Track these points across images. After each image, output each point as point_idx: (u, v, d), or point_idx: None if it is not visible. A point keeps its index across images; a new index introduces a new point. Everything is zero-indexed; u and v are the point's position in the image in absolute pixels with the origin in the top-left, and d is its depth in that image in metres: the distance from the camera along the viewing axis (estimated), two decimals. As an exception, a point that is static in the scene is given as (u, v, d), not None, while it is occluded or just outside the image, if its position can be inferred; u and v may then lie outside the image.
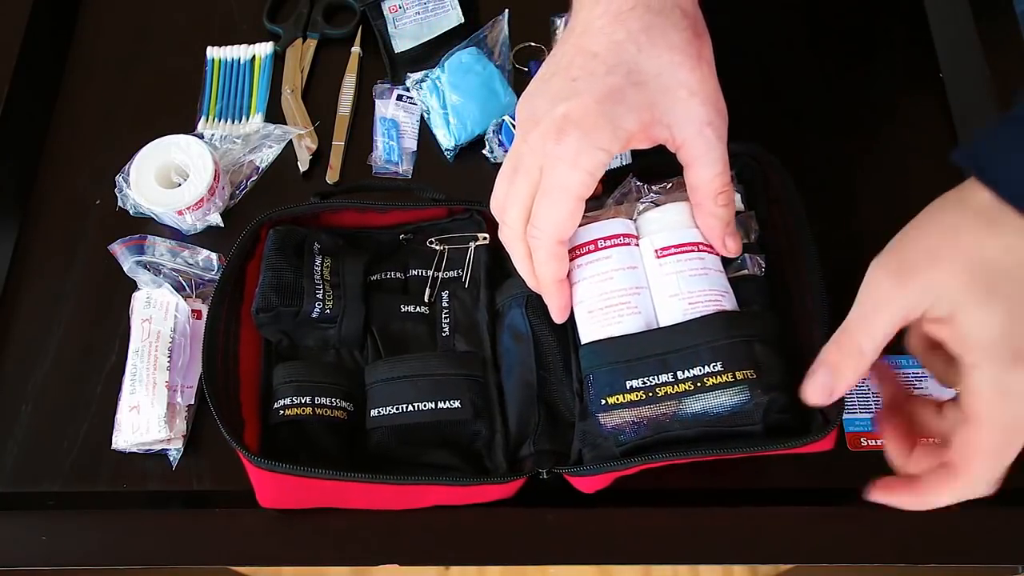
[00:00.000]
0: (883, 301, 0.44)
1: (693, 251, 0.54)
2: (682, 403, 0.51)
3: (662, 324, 0.53)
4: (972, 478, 0.44)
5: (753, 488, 0.58)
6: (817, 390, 0.46)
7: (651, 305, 0.54)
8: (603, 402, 0.52)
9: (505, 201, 0.52)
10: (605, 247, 0.54)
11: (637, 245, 0.55)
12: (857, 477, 0.57)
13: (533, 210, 0.50)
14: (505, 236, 0.53)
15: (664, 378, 0.51)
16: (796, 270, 0.56)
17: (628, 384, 0.52)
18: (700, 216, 0.53)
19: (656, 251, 0.54)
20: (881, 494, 0.47)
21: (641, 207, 0.57)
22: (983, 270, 0.42)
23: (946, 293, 0.42)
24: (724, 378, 0.50)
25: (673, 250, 0.54)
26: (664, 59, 0.48)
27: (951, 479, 0.44)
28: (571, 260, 0.54)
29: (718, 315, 0.52)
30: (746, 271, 0.56)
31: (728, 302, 0.53)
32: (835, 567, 0.61)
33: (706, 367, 0.51)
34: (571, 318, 0.58)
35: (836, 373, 0.46)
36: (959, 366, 0.43)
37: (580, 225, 0.52)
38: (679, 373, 0.51)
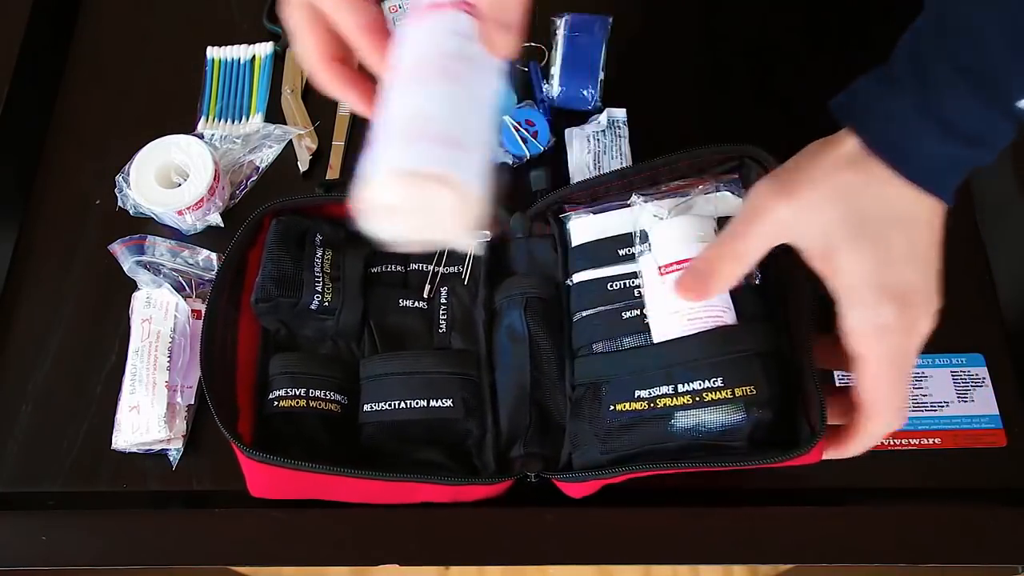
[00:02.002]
0: (763, 210, 0.47)
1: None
2: (674, 417, 0.52)
3: (658, 340, 0.53)
4: (879, 412, 0.48)
5: (753, 488, 0.58)
6: (688, 283, 0.50)
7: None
8: (612, 407, 0.53)
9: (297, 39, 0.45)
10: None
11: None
12: (857, 477, 0.58)
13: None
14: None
15: (665, 389, 0.52)
16: (789, 275, 0.56)
17: (637, 394, 0.52)
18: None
19: (660, 267, 0.54)
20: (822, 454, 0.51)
21: (648, 215, 0.57)
22: (854, 211, 0.45)
23: (821, 224, 0.46)
24: (723, 394, 0.51)
25: (675, 267, 0.54)
26: None
27: (863, 420, 0.49)
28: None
29: (718, 331, 0.53)
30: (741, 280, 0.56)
31: (729, 317, 0.53)
32: (835, 567, 0.61)
33: (706, 382, 0.51)
34: (568, 323, 0.58)
35: (711, 271, 0.49)
36: (839, 309, 0.47)
37: None
38: (679, 386, 0.52)
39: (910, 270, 0.46)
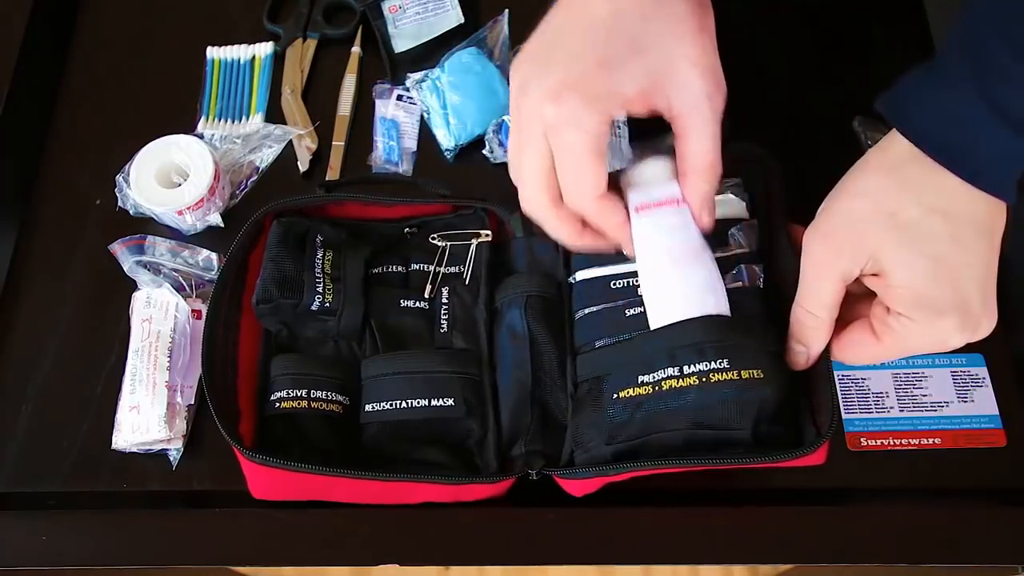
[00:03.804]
0: (822, 269, 0.47)
1: (673, 206, 0.52)
2: (679, 400, 0.51)
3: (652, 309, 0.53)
4: (882, 352, 0.48)
5: (753, 488, 0.58)
6: (796, 359, 0.51)
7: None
8: (615, 396, 0.53)
9: (520, 176, 0.51)
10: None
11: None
12: (857, 477, 0.58)
13: (560, 181, 0.49)
14: (530, 209, 0.52)
15: (670, 371, 0.51)
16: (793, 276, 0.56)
17: (640, 379, 0.52)
18: (685, 187, 0.52)
19: (636, 207, 0.52)
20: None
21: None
22: (907, 229, 0.44)
23: (875, 254, 0.45)
24: (730, 375, 0.50)
25: (652, 208, 0.52)
26: (667, 29, 0.47)
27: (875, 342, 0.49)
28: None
29: (724, 319, 0.52)
30: (741, 283, 0.56)
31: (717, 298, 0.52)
32: (835, 567, 0.61)
33: (712, 363, 0.51)
34: (570, 322, 0.58)
35: (805, 342, 0.50)
36: (889, 321, 0.47)
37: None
38: (685, 367, 0.51)
39: (967, 278, 0.44)
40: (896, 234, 0.44)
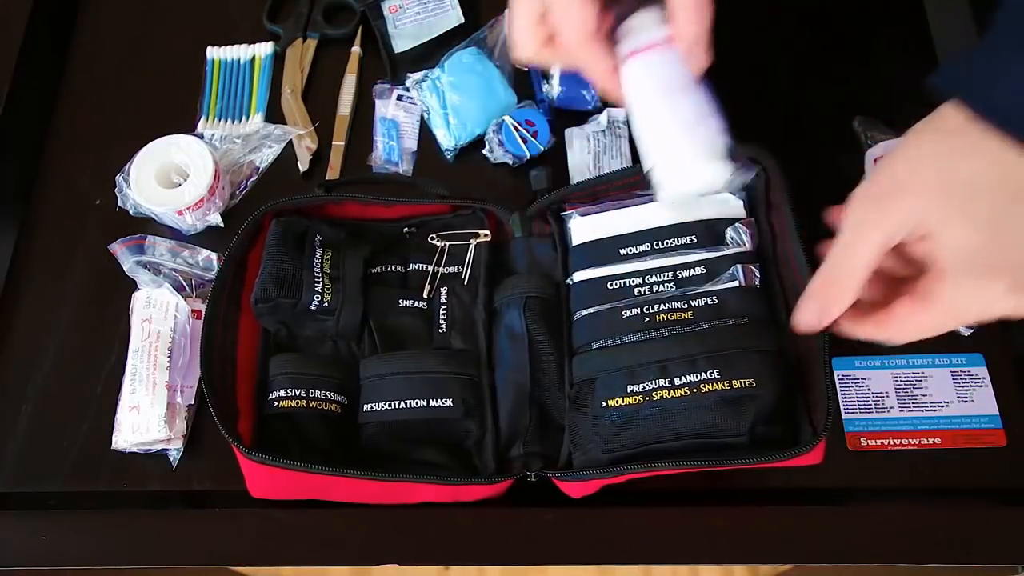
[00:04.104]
0: (865, 229, 0.45)
1: (661, 48, 0.52)
2: (674, 413, 0.52)
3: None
4: (930, 322, 0.46)
5: (752, 488, 0.58)
6: (806, 317, 0.47)
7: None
8: (603, 404, 0.53)
9: (513, 22, 0.53)
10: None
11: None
12: (857, 477, 0.58)
13: (553, 24, 0.51)
14: (521, 52, 0.53)
15: (661, 383, 0.52)
16: (792, 276, 0.56)
17: (629, 388, 0.53)
18: (674, 27, 0.51)
19: (627, 54, 0.52)
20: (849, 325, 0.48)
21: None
22: (959, 191, 0.43)
23: (924, 215, 0.43)
24: (721, 386, 0.51)
25: (642, 52, 0.52)
26: None
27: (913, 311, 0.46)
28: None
29: (718, 329, 0.53)
30: (737, 283, 0.56)
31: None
32: (835, 567, 0.61)
33: (703, 374, 0.51)
34: (568, 323, 0.58)
35: (825, 301, 0.46)
36: (931, 268, 0.44)
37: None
38: (676, 379, 0.52)
39: (1019, 241, 0.43)
40: (947, 195, 0.43)
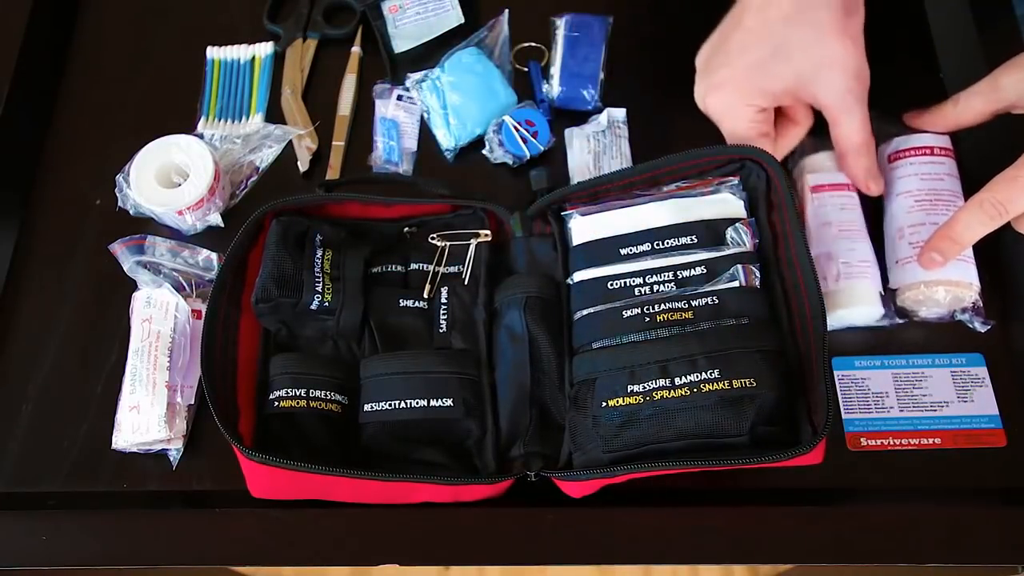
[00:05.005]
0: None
1: (845, 190, 0.63)
2: (674, 413, 0.52)
3: None
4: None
5: (753, 488, 0.58)
6: (945, 247, 0.58)
7: None
8: (603, 404, 0.53)
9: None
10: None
11: None
12: (857, 477, 0.58)
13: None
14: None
15: (661, 383, 0.52)
16: (795, 276, 0.56)
17: (630, 388, 0.53)
18: (844, 167, 0.61)
19: (811, 187, 0.62)
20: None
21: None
22: None
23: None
24: (721, 386, 0.51)
25: (828, 188, 0.62)
26: (810, 35, 0.56)
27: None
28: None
29: (718, 329, 0.53)
30: (737, 283, 0.56)
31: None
32: (835, 567, 0.61)
33: (703, 374, 0.51)
34: (568, 323, 0.58)
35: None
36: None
37: None
38: (677, 379, 0.52)
39: None
40: None
